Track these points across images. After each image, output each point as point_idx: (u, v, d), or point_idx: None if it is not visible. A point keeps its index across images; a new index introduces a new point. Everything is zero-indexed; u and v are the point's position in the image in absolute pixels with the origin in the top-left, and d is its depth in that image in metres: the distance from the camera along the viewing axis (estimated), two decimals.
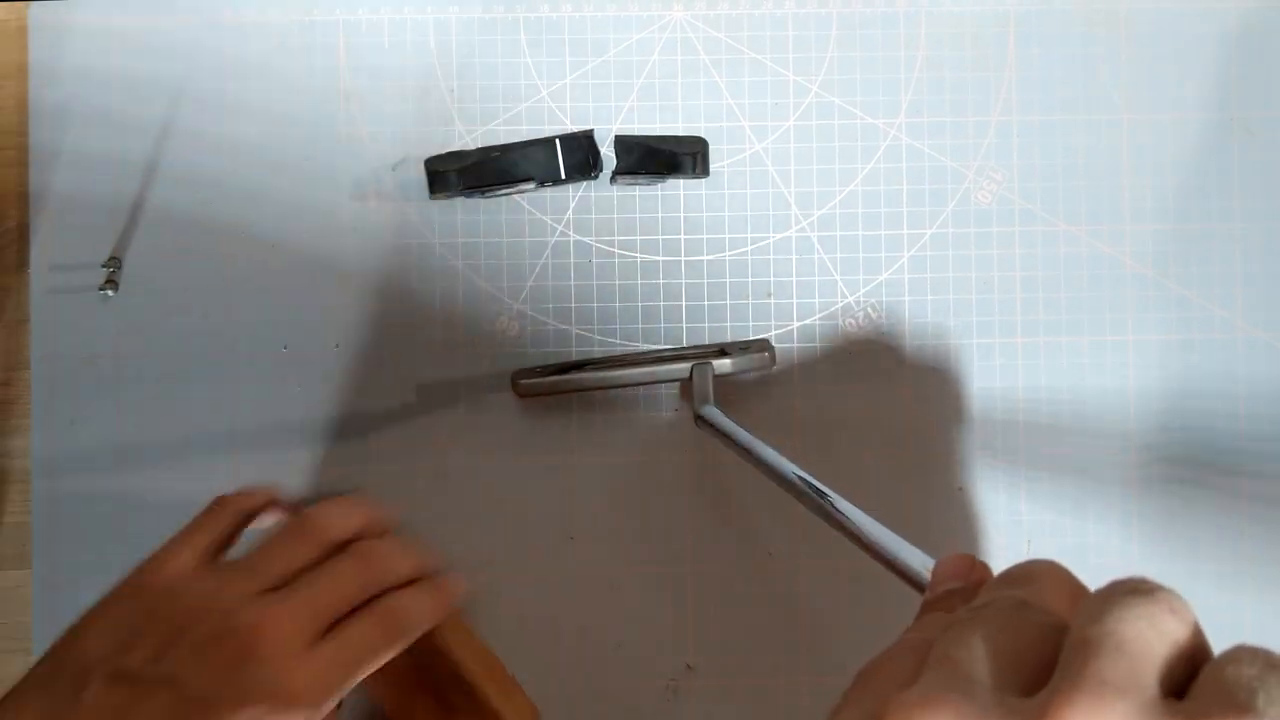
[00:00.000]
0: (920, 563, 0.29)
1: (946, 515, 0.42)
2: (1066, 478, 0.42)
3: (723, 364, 0.40)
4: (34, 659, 0.40)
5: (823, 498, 0.33)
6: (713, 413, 0.38)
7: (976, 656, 0.20)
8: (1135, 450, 0.42)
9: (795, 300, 0.42)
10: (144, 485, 0.41)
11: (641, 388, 0.41)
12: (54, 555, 0.41)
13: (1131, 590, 0.20)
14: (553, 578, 0.42)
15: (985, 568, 0.26)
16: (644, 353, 0.42)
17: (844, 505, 0.32)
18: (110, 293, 0.41)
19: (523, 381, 0.40)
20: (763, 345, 0.41)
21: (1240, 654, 0.19)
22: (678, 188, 0.42)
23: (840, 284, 0.42)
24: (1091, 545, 0.42)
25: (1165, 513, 0.42)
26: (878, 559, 0.31)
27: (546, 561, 0.42)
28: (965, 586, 0.26)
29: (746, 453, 0.36)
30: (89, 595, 0.41)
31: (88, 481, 0.41)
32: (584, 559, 0.42)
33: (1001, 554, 0.42)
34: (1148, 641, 0.19)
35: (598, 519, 0.42)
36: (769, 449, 0.35)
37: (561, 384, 0.40)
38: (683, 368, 0.40)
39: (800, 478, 0.34)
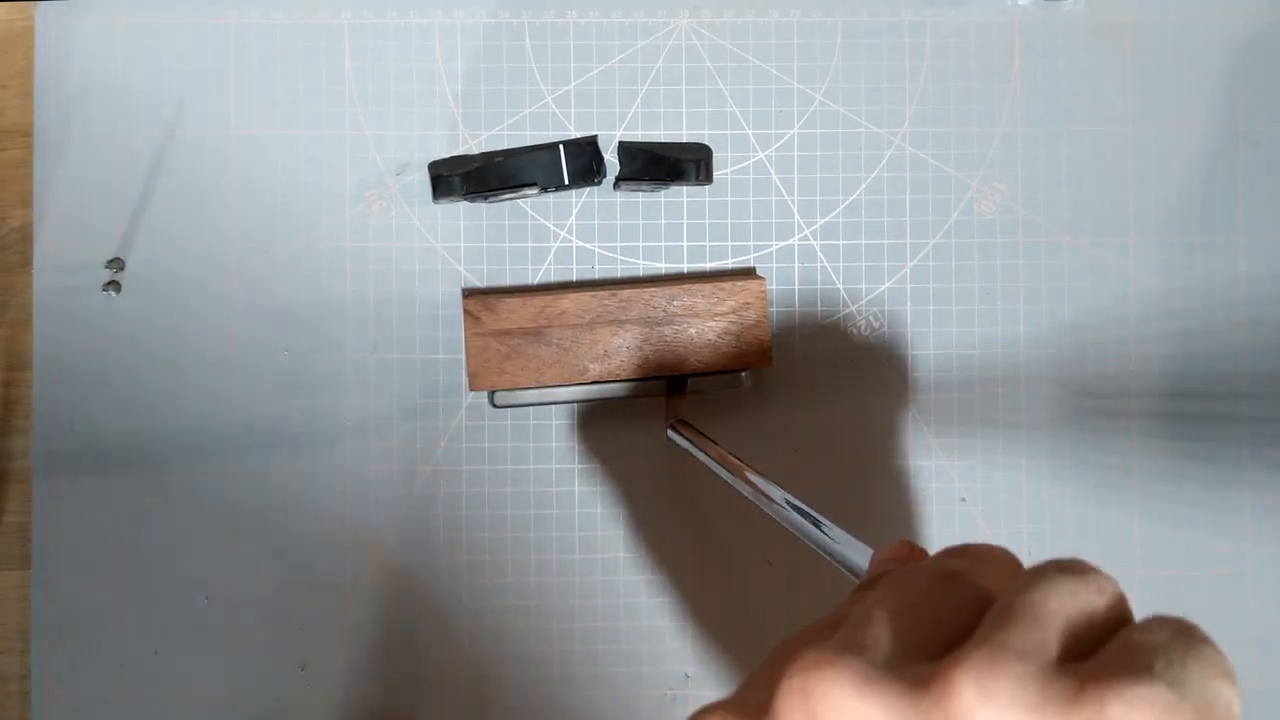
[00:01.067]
0: (863, 555, 0.29)
1: (948, 526, 0.42)
2: (1070, 490, 0.42)
3: (697, 381, 0.40)
4: (34, 660, 0.40)
5: (789, 505, 0.34)
6: (683, 429, 0.39)
7: (888, 620, 0.20)
8: (1138, 459, 0.42)
9: (797, 308, 0.42)
10: (145, 487, 0.41)
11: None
12: (54, 556, 0.41)
13: (1063, 569, 0.19)
14: (554, 585, 0.41)
15: (923, 552, 0.26)
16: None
17: (796, 503, 0.33)
18: (113, 293, 0.41)
19: (499, 393, 0.40)
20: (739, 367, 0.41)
21: (1153, 621, 0.18)
22: (681, 195, 0.42)
23: (843, 293, 0.42)
24: (1093, 555, 0.42)
25: (1169, 524, 0.42)
26: (824, 554, 0.31)
27: (548, 569, 0.41)
28: (899, 570, 0.26)
29: (713, 463, 0.37)
30: (89, 596, 0.41)
31: (89, 482, 0.41)
32: (585, 566, 0.41)
33: None
34: (1065, 615, 0.18)
35: (599, 526, 0.42)
36: (731, 458, 0.36)
37: (537, 398, 0.40)
38: (658, 384, 0.40)
39: (752, 481, 0.35)
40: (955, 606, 0.20)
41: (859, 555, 0.30)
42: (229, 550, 0.41)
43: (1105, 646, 0.18)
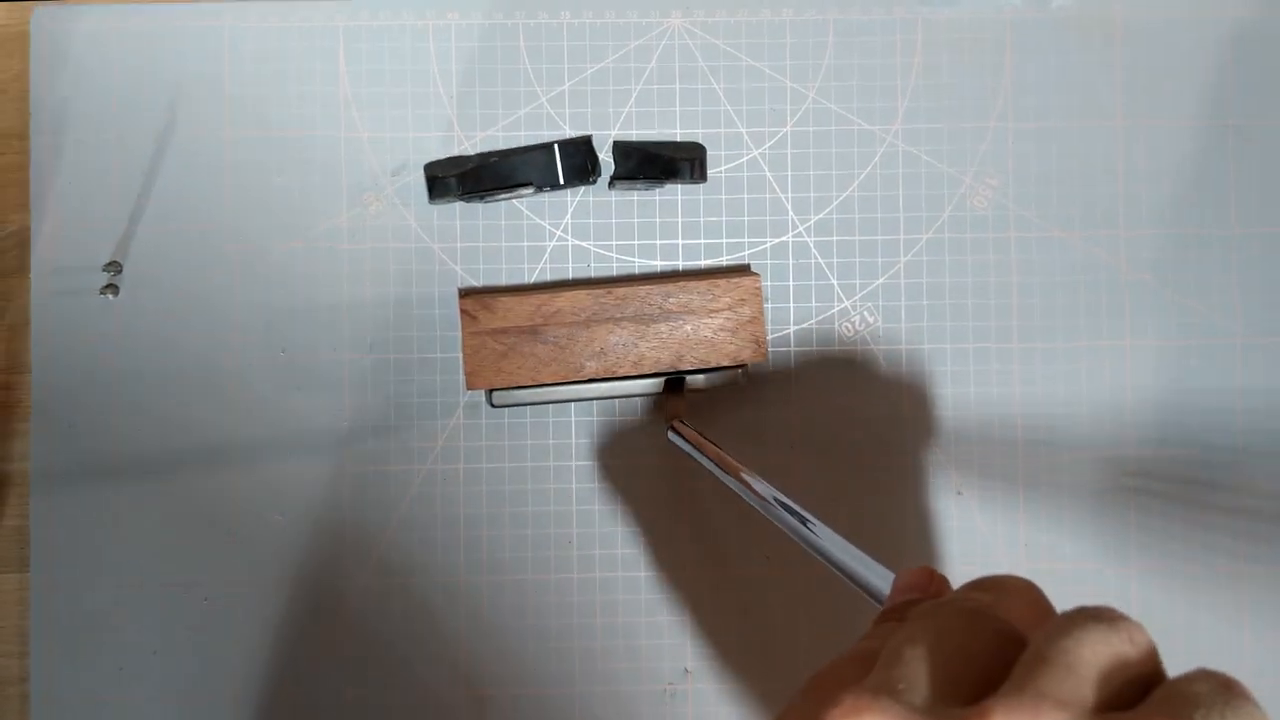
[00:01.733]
0: (881, 576, 0.29)
1: (944, 519, 0.42)
2: (1063, 483, 0.42)
3: (695, 379, 0.41)
4: (33, 662, 0.40)
5: (788, 511, 0.34)
6: (683, 429, 0.39)
7: (922, 659, 0.20)
8: (1132, 455, 0.42)
9: (792, 305, 0.42)
10: (142, 489, 0.41)
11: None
12: (53, 559, 0.41)
13: (1095, 617, 0.20)
14: (552, 582, 0.42)
15: (944, 580, 0.27)
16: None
17: (809, 519, 0.33)
18: (111, 296, 0.41)
19: (497, 393, 0.40)
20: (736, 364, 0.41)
21: (1197, 673, 0.19)
22: (675, 193, 0.42)
23: (837, 289, 0.42)
24: (1088, 550, 0.42)
25: (1162, 517, 0.42)
26: (840, 573, 0.31)
27: (546, 565, 0.42)
28: (923, 598, 0.26)
29: (714, 466, 0.37)
30: (88, 599, 0.41)
31: (87, 485, 0.41)
32: (583, 563, 0.42)
33: (998, 558, 0.42)
34: (1099, 664, 0.19)
35: (597, 523, 0.42)
36: (732, 461, 0.36)
37: (535, 397, 0.40)
38: (656, 382, 0.41)
39: (754, 488, 0.35)
40: (985, 645, 0.20)
41: (877, 576, 0.30)
42: (227, 551, 0.41)
43: (1147, 698, 0.19)
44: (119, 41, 0.42)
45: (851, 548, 0.31)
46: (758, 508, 0.35)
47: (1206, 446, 0.42)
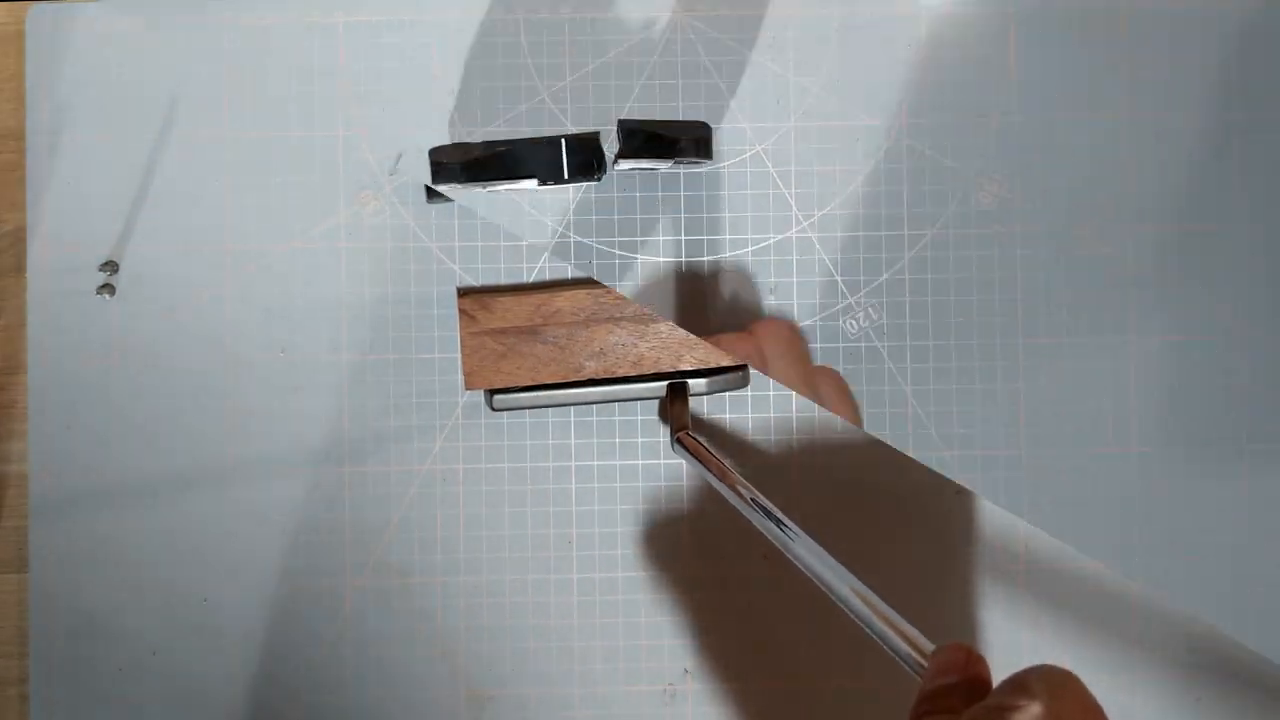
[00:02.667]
0: (910, 635, 0.29)
1: (945, 516, 0.42)
2: (1066, 477, 0.42)
3: (697, 384, 0.40)
4: (32, 664, 0.40)
5: (791, 539, 0.34)
6: (687, 440, 0.38)
7: None
8: (1136, 451, 0.42)
9: (795, 301, 0.42)
10: (141, 490, 0.41)
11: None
12: (51, 559, 0.41)
13: None
14: (552, 582, 0.41)
15: (981, 662, 0.27)
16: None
17: (834, 567, 0.33)
18: (108, 296, 0.41)
19: (497, 396, 0.40)
20: (738, 365, 0.41)
21: None
22: (678, 188, 0.42)
23: (841, 285, 0.42)
24: (1089, 549, 0.42)
25: (1165, 512, 0.42)
26: (874, 635, 0.31)
27: (546, 566, 0.41)
28: (963, 681, 0.26)
29: (719, 480, 0.37)
30: (87, 599, 0.41)
31: (85, 485, 0.41)
32: (583, 563, 0.41)
33: (999, 556, 0.41)
34: None
35: (597, 523, 0.41)
36: (742, 481, 0.36)
37: (535, 400, 0.40)
38: (659, 387, 0.40)
39: (777, 519, 0.35)
40: None
41: (910, 644, 0.30)
42: (226, 551, 0.41)
43: None
44: (115, 40, 0.42)
45: (885, 607, 0.31)
46: (768, 535, 0.35)
47: (1209, 440, 0.42)
